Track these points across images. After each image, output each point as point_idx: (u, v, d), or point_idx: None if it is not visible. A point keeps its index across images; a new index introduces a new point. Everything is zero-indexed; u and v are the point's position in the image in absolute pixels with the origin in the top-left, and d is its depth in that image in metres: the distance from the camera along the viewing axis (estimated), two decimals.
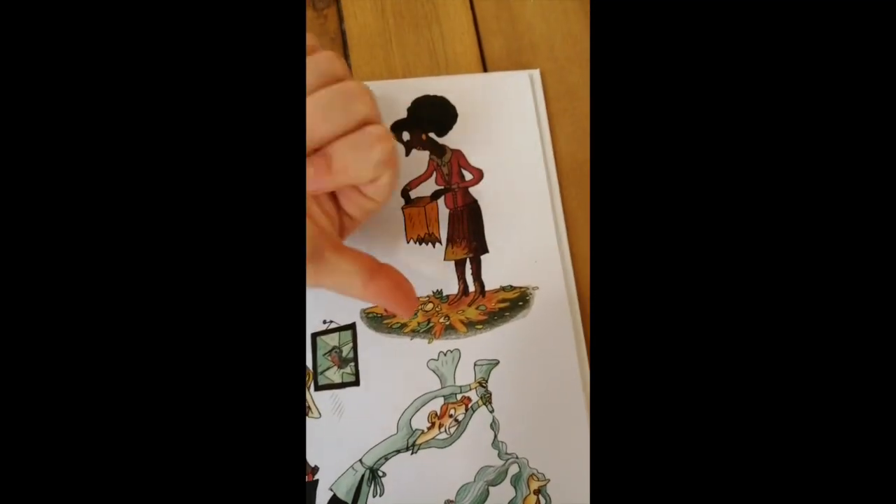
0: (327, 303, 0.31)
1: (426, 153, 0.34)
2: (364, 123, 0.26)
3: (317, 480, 0.29)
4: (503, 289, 0.32)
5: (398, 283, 0.28)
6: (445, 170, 0.34)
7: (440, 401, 0.30)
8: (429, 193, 0.33)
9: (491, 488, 0.29)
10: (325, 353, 0.30)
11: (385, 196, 0.28)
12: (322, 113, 0.24)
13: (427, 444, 0.30)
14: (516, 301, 0.32)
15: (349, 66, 0.35)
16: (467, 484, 0.29)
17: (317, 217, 0.27)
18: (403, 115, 0.34)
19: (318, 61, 0.25)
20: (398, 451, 0.29)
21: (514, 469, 0.29)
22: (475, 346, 0.31)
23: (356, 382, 0.30)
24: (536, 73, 0.36)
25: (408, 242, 0.32)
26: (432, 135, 0.34)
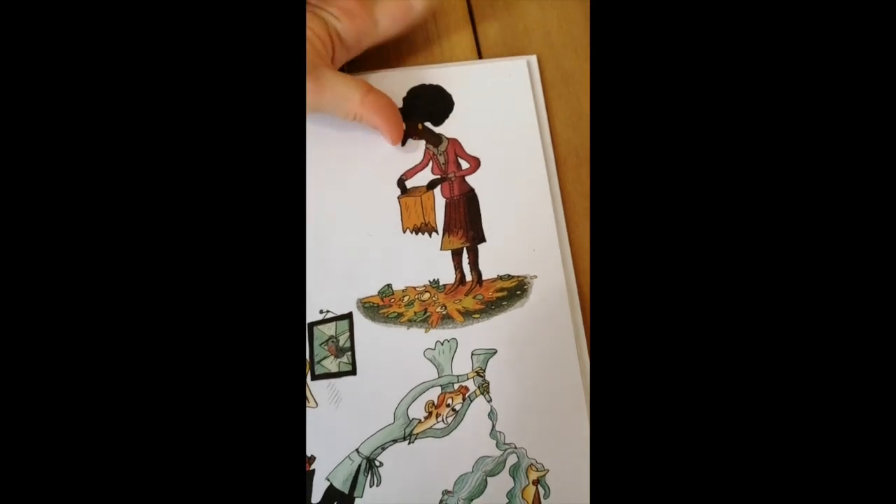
0: (324, 293, 0.31)
1: (422, 142, 0.34)
2: None
3: (313, 470, 0.29)
4: (501, 278, 0.32)
5: (390, 103, 0.32)
6: (442, 159, 0.34)
7: (437, 390, 0.30)
8: (425, 183, 0.33)
9: (489, 478, 0.29)
10: (321, 343, 0.30)
11: (392, 26, 0.32)
12: None
13: (424, 434, 0.29)
14: (514, 290, 0.32)
15: None
16: (465, 474, 0.29)
17: (312, 39, 0.30)
18: (399, 104, 0.34)
19: None
20: (395, 441, 0.29)
21: (512, 459, 0.29)
22: (472, 336, 0.31)
23: (353, 372, 0.30)
24: (533, 58, 0.35)
25: (404, 232, 0.32)
26: (428, 124, 0.34)
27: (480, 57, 0.36)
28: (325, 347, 0.30)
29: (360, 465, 0.29)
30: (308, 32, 0.29)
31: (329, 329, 0.31)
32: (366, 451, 0.29)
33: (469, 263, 0.32)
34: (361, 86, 0.31)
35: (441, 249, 0.32)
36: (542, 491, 0.29)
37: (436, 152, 0.34)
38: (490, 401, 0.30)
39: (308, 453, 0.29)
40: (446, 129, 0.34)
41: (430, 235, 0.32)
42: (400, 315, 0.31)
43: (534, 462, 0.29)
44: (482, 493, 0.29)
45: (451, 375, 0.30)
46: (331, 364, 0.30)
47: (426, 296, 0.31)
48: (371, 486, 0.28)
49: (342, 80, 0.30)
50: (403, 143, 0.34)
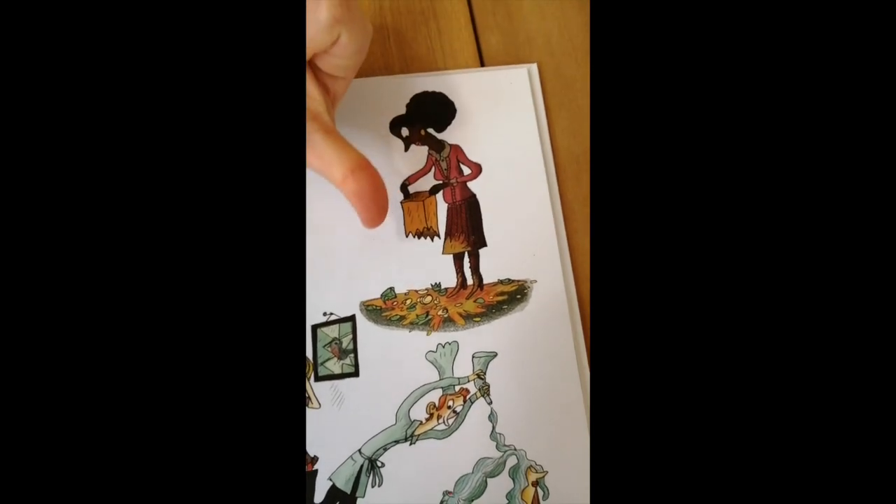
0: (328, 296, 0.31)
1: (425, 148, 0.34)
2: None
3: (316, 470, 0.29)
4: (501, 282, 0.32)
5: (375, 188, 0.28)
6: (444, 164, 0.34)
7: (438, 392, 0.30)
8: (428, 188, 0.34)
9: (489, 480, 0.29)
10: (325, 345, 0.31)
11: (354, 54, 0.28)
12: None
13: (425, 435, 0.30)
14: (514, 294, 0.32)
15: None
16: (466, 475, 0.29)
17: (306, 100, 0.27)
18: (403, 111, 0.35)
19: None
20: (397, 442, 0.30)
21: (512, 461, 0.30)
22: (473, 339, 0.31)
23: (356, 373, 0.30)
24: (534, 67, 0.36)
25: (407, 236, 0.33)
26: (431, 130, 0.35)
27: (482, 65, 0.36)
28: (329, 349, 0.31)
29: (362, 466, 0.29)
30: None
31: (332, 331, 0.31)
32: (368, 452, 0.29)
33: (470, 267, 0.33)
34: (348, 162, 0.27)
35: (443, 253, 0.33)
36: (541, 492, 0.29)
37: (438, 158, 0.34)
38: (490, 403, 0.30)
39: (311, 454, 0.29)
40: (448, 135, 0.35)
41: (433, 239, 0.33)
42: (402, 318, 0.31)
43: (533, 464, 0.30)
44: (482, 493, 0.29)
45: (452, 378, 0.31)
46: (334, 366, 0.31)
47: (428, 299, 0.32)
48: (373, 487, 0.29)
49: (332, 148, 0.27)
50: (406, 150, 0.34)
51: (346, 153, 0.27)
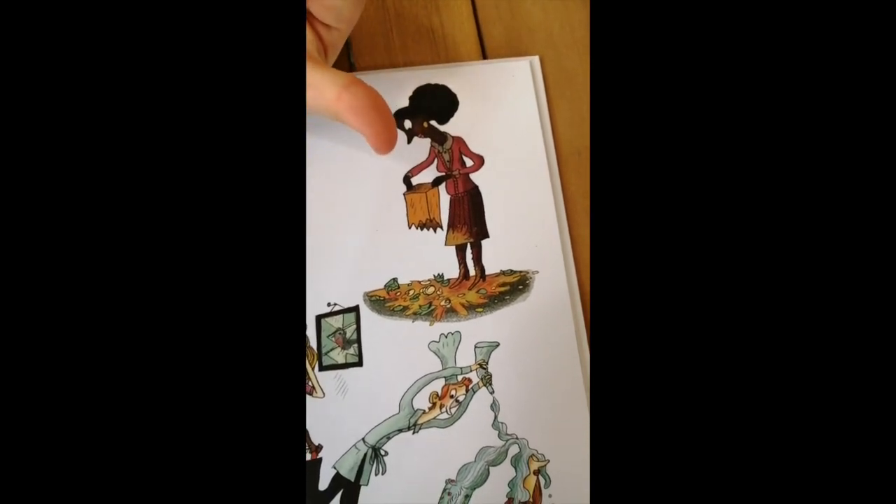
0: (332, 286, 0.32)
1: (428, 140, 0.35)
2: None
3: (320, 459, 0.29)
4: (503, 273, 0.33)
5: (373, 99, 0.26)
6: (447, 156, 0.34)
7: (441, 382, 0.31)
8: (430, 180, 0.34)
9: (491, 468, 0.30)
10: (329, 335, 0.31)
11: None
12: None
13: (428, 424, 0.30)
14: (516, 285, 0.32)
15: (350, 55, 0.36)
16: (468, 464, 0.30)
17: None
18: (405, 103, 0.35)
19: None
20: (400, 431, 0.30)
21: (514, 449, 0.30)
22: (475, 329, 0.32)
23: (359, 363, 0.31)
24: (536, 59, 0.36)
25: (409, 228, 0.33)
26: (434, 122, 0.35)
27: (485, 57, 0.36)
28: (333, 339, 0.31)
29: (366, 454, 0.29)
30: None
31: (336, 321, 0.31)
32: (371, 441, 0.30)
33: (473, 258, 0.33)
34: (341, 80, 0.25)
35: (445, 245, 0.33)
36: (542, 480, 0.30)
37: (441, 150, 0.35)
38: (492, 392, 0.31)
39: (315, 442, 0.29)
40: (451, 127, 0.35)
41: (435, 231, 0.33)
42: (405, 308, 0.32)
43: (535, 452, 0.30)
44: (484, 482, 0.29)
45: (455, 367, 0.31)
46: (338, 355, 0.31)
47: (431, 290, 0.32)
48: (377, 475, 0.29)
49: (320, 73, 0.25)
50: (409, 142, 0.35)
51: (336, 74, 0.26)
